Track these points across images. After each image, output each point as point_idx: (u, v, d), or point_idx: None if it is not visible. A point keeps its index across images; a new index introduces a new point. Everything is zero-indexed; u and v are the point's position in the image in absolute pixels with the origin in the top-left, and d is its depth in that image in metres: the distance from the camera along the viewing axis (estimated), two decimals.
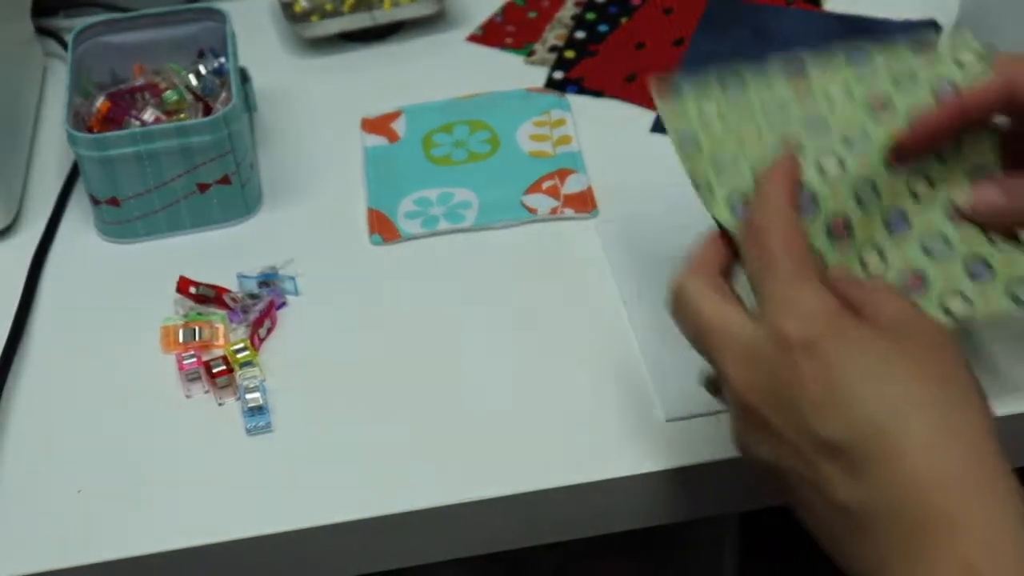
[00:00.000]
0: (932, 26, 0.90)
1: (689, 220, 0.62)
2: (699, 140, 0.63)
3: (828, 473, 0.52)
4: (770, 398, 0.53)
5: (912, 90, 0.62)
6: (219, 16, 0.83)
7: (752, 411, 0.54)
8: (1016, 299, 0.59)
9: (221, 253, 0.78)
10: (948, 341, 0.54)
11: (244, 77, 0.82)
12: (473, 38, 0.93)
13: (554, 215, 0.79)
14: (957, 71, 0.62)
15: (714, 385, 0.59)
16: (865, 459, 0.51)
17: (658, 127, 0.85)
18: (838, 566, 0.54)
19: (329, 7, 0.92)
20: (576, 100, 0.87)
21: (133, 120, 0.79)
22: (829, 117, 0.63)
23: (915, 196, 0.62)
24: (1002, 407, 0.66)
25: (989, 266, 0.60)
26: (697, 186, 0.62)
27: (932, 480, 0.50)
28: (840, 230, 0.60)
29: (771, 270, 0.55)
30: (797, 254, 0.55)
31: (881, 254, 0.61)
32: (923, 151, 0.61)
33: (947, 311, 0.59)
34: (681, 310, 0.57)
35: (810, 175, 0.60)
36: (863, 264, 0.60)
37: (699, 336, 0.56)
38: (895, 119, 0.61)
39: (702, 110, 0.64)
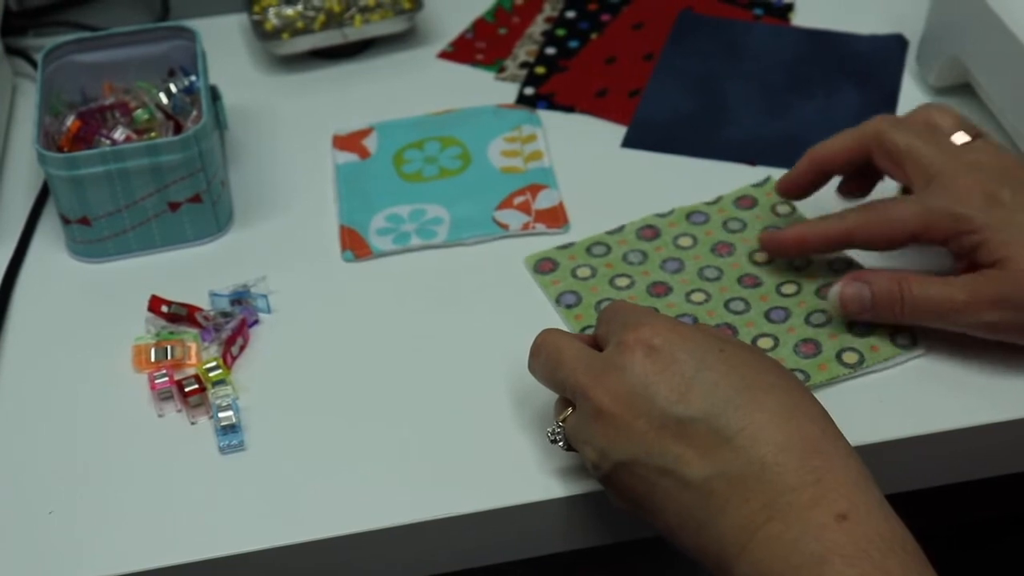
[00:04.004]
0: (898, 41, 0.91)
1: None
2: (580, 296, 0.74)
3: (679, 454, 0.56)
4: (626, 398, 0.58)
5: (744, 235, 0.76)
6: (189, 34, 0.83)
7: (610, 416, 0.58)
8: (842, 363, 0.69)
9: (193, 271, 0.77)
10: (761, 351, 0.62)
11: (215, 95, 0.82)
12: (444, 55, 0.93)
13: (526, 231, 0.79)
14: (777, 220, 0.78)
15: (557, 434, 0.62)
16: (720, 431, 0.56)
17: (629, 142, 0.85)
18: (706, 565, 0.57)
19: (300, 25, 0.92)
20: (547, 116, 0.87)
21: (103, 139, 0.79)
22: (684, 259, 0.75)
23: (786, 296, 0.73)
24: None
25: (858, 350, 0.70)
26: (583, 329, 0.72)
27: (788, 442, 0.55)
28: (724, 332, 0.68)
29: (614, 313, 0.62)
30: (636, 306, 0.63)
31: (774, 338, 0.70)
32: (799, 194, 0.75)
33: (843, 363, 0.69)
34: (543, 354, 0.63)
35: (683, 307, 0.72)
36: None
37: (559, 368, 0.61)
38: (739, 259, 0.75)
39: (576, 274, 0.75)
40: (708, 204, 0.79)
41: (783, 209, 0.78)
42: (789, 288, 0.73)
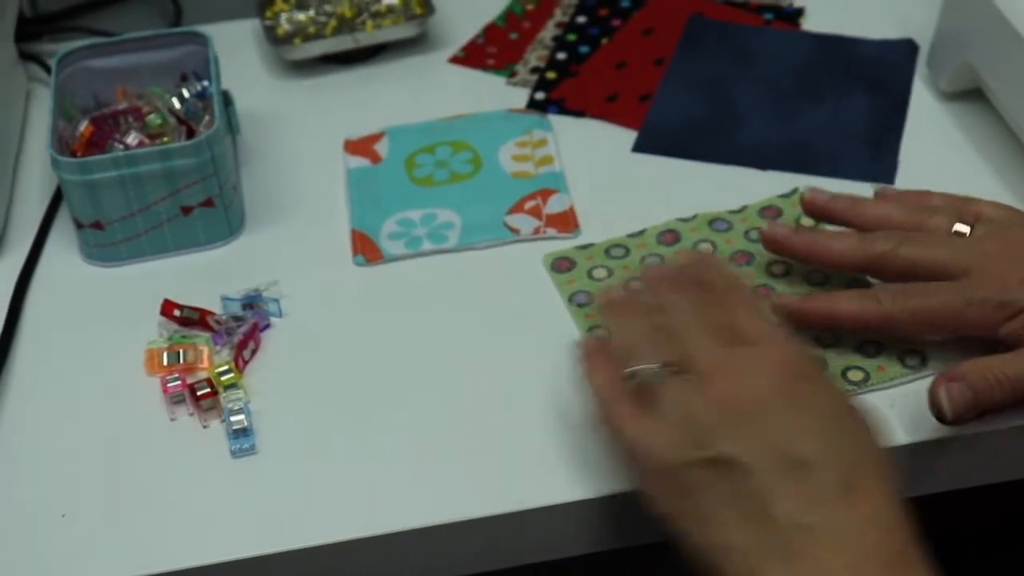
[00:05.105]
0: (909, 45, 0.91)
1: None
2: (592, 296, 0.74)
3: (785, 491, 0.55)
4: (755, 404, 0.57)
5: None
6: (202, 40, 0.83)
7: (742, 410, 0.57)
8: (904, 363, 0.69)
9: (205, 275, 0.78)
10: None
11: (227, 100, 0.82)
12: (455, 60, 0.93)
13: (537, 235, 0.79)
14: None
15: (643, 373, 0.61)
16: (839, 483, 0.55)
17: (639, 146, 0.85)
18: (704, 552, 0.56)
19: (312, 30, 0.92)
20: (558, 120, 0.87)
21: (116, 144, 0.79)
22: None
23: None
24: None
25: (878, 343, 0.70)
26: (590, 328, 0.72)
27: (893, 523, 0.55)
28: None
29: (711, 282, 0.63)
30: (752, 298, 0.63)
31: None
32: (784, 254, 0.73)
33: (848, 380, 0.69)
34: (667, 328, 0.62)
35: None
36: None
37: (682, 340, 0.60)
38: (756, 269, 0.75)
39: (592, 275, 0.75)
40: (732, 212, 0.79)
41: (807, 222, 0.77)
42: None
